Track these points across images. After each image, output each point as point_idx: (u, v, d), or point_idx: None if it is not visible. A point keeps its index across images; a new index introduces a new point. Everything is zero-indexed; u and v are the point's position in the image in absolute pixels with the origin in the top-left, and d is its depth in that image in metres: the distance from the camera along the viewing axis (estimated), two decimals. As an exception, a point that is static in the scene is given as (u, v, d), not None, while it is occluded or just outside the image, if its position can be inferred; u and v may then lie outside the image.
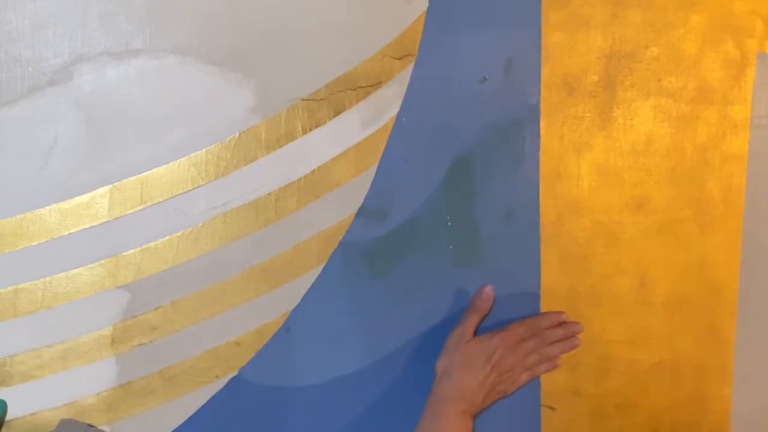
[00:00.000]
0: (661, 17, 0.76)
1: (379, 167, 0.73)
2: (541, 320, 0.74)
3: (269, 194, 0.71)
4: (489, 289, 0.74)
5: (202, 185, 0.70)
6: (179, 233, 0.70)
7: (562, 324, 0.74)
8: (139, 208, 0.69)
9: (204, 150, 0.70)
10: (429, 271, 0.75)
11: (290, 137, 0.71)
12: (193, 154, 0.70)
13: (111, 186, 0.68)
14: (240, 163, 0.70)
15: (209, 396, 0.71)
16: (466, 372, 0.70)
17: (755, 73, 0.78)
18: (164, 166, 0.69)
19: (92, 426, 0.67)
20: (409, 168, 0.74)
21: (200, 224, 0.70)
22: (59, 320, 0.68)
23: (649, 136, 0.77)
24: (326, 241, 0.72)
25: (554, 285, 0.76)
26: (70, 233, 0.68)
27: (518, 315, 0.76)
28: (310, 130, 0.72)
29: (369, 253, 0.73)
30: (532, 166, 0.76)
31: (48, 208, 0.67)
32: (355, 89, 0.72)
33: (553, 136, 0.76)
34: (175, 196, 0.70)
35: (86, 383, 0.69)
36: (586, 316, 0.77)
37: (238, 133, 0.70)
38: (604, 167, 0.77)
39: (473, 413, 0.70)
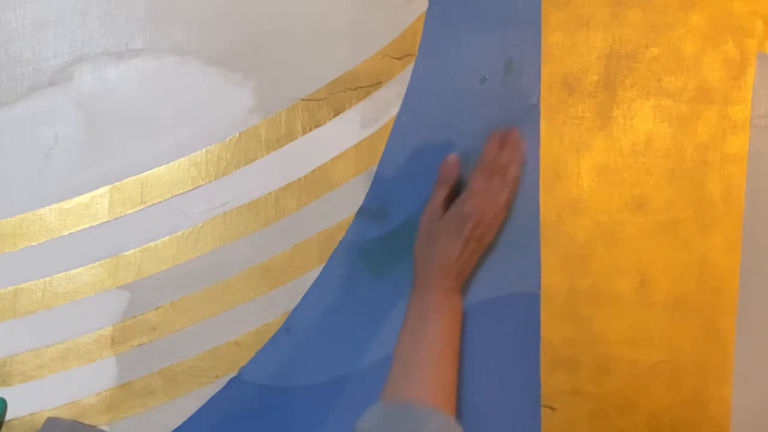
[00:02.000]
0: (661, 17, 0.76)
1: (379, 167, 0.73)
2: (488, 155, 0.71)
3: (269, 194, 0.71)
4: (452, 157, 0.71)
5: (202, 185, 0.70)
6: (179, 233, 0.70)
7: (504, 142, 0.72)
8: (139, 208, 0.69)
9: (204, 150, 0.70)
10: (429, 271, 0.75)
11: (290, 137, 0.71)
12: (193, 154, 0.70)
13: (111, 186, 0.68)
14: (240, 163, 0.70)
15: (209, 396, 0.71)
16: (443, 251, 0.68)
17: (755, 73, 0.77)
18: (164, 166, 0.69)
19: (78, 422, 0.67)
20: (409, 168, 0.74)
21: (200, 224, 0.70)
22: (59, 320, 0.68)
23: (649, 136, 0.77)
24: (326, 241, 0.72)
25: (554, 285, 0.76)
26: (70, 233, 0.68)
27: (518, 315, 0.76)
28: (310, 130, 0.72)
29: (369, 253, 0.73)
30: (532, 166, 0.76)
31: (48, 208, 0.68)
32: (355, 89, 0.72)
33: (553, 136, 0.76)
34: (175, 196, 0.70)
35: (86, 383, 0.69)
36: (586, 316, 0.77)
37: (238, 133, 0.70)
38: (604, 167, 0.77)
39: (460, 286, 0.70)
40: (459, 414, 0.75)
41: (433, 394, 0.64)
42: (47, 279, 0.68)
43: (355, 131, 0.73)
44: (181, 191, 0.70)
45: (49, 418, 0.67)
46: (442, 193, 0.71)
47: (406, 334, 0.67)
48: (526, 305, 0.76)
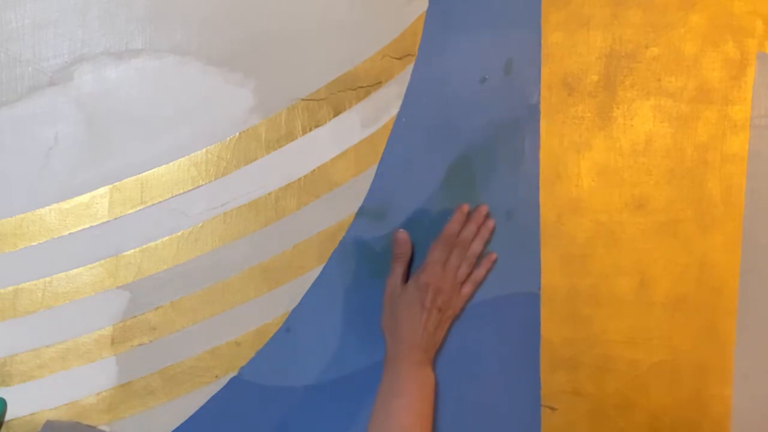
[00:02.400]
0: (661, 17, 0.76)
1: (379, 167, 0.73)
2: (450, 228, 0.72)
3: (269, 194, 0.71)
4: (401, 233, 0.72)
5: (202, 185, 0.70)
6: (179, 233, 0.70)
7: (469, 218, 0.73)
8: (139, 208, 0.69)
9: (204, 150, 0.70)
10: (429, 271, 0.74)
11: (290, 137, 0.71)
12: (193, 154, 0.70)
13: (111, 186, 0.68)
14: (240, 163, 0.70)
15: (209, 396, 0.71)
16: (407, 324, 0.70)
17: (755, 73, 0.77)
18: (164, 166, 0.69)
19: (78, 423, 0.67)
20: (409, 168, 0.74)
21: (200, 224, 0.70)
22: (59, 320, 0.68)
23: (649, 136, 0.77)
24: (326, 241, 0.72)
25: (554, 285, 0.76)
26: (70, 233, 0.68)
27: (518, 315, 0.76)
28: (310, 130, 0.72)
29: (369, 253, 0.73)
30: (532, 166, 0.76)
31: (48, 208, 0.68)
32: (355, 89, 0.72)
33: (553, 136, 0.76)
34: (175, 196, 0.70)
35: (86, 383, 0.69)
36: (586, 316, 0.77)
37: (238, 133, 0.70)
38: (604, 167, 0.77)
39: (430, 358, 0.71)
40: (458, 414, 0.76)
41: None
42: (47, 279, 0.68)
43: (355, 131, 0.73)
44: (181, 191, 0.70)
45: (49, 421, 0.67)
46: (399, 269, 0.72)
47: (377, 408, 0.68)
48: (526, 305, 0.76)
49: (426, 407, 0.68)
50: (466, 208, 0.73)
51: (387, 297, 0.72)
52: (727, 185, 0.77)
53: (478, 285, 0.74)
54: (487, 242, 0.74)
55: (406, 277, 0.72)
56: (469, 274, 0.73)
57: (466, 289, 0.73)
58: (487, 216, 0.74)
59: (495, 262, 0.74)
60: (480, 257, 0.74)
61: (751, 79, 0.77)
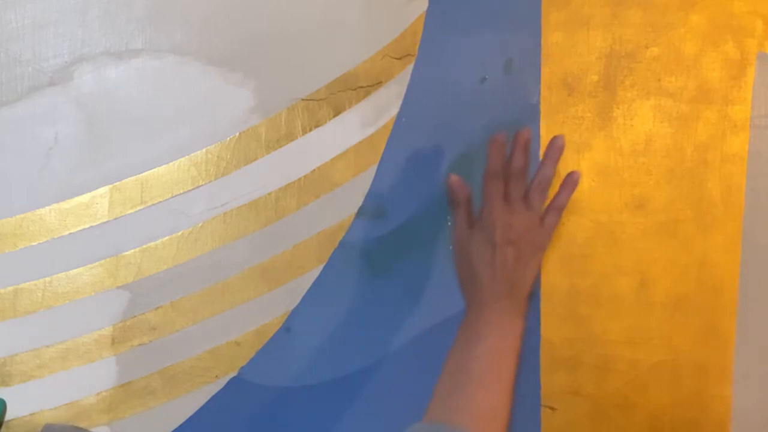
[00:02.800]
0: (661, 17, 0.76)
1: (379, 167, 0.73)
2: (492, 163, 0.67)
3: (269, 194, 0.71)
4: (454, 177, 0.68)
5: (202, 185, 0.70)
6: (179, 233, 0.70)
7: (514, 145, 0.68)
8: (139, 208, 0.69)
9: (204, 150, 0.70)
10: (429, 271, 0.75)
11: (290, 137, 0.71)
12: (193, 154, 0.70)
13: (111, 186, 0.68)
14: (240, 163, 0.70)
15: (209, 396, 0.71)
16: (480, 266, 0.65)
17: (755, 73, 0.77)
18: (164, 166, 0.69)
19: (79, 428, 0.67)
20: (409, 168, 0.74)
21: (200, 224, 0.70)
22: (59, 320, 0.68)
23: (649, 136, 0.77)
24: (326, 241, 0.72)
25: (554, 285, 0.76)
26: (70, 233, 0.68)
27: (518, 315, 0.76)
28: (310, 130, 0.72)
29: (369, 253, 0.73)
30: (532, 167, 0.76)
31: (48, 208, 0.67)
32: (355, 89, 0.72)
33: (553, 136, 0.76)
34: (175, 196, 0.70)
35: (86, 383, 0.69)
36: (586, 316, 0.77)
37: (238, 133, 0.70)
38: (604, 167, 0.77)
39: (518, 305, 0.65)
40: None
41: (474, 417, 0.59)
42: (47, 279, 0.68)
43: (355, 131, 0.73)
44: (181, 191, 0.70)
45: (48, 424, 0.67)
46: (461, 214, 0.69)
47: (449, 357, 0.63)
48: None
49: (506, 358, 0.61)
50: (500, 138, 0.67)
51: (456, 247, 0.68)
52: (727, 185, 0.77)
53: (562, 211, 0.68)
54: (556, 164, 0.68)
55: (471, 222, 0.68)
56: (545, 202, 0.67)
57: (549, 218, 0.67)
58: (524, 134, 0.67)
59: (577, 182, 0.67)
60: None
61: (751, 79, 0.77)
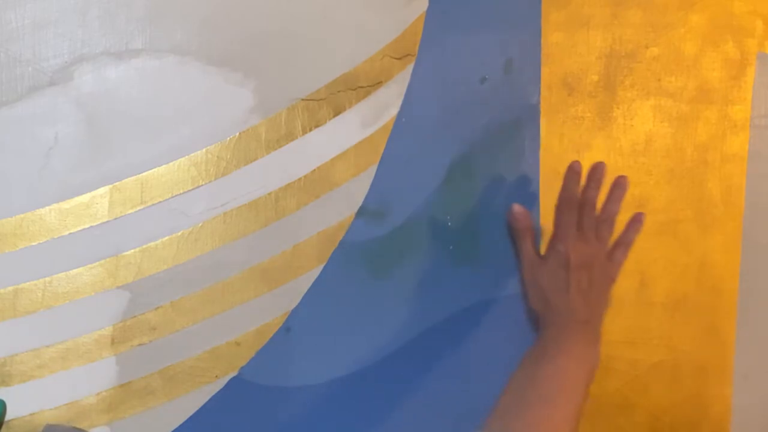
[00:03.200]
0: (661, 17, 0.76)
1: (379, 167, 0.73)
2: (567, 189, 0.69)
3: (269, 194, 0.71)
4: (517, 206, 0.69)
5: (202, 185, 0.70)
6: (179, 233, 0.70)
7: (589, 176, 0.69)
8: (139, 208, 0.69)
9: (204, 150, 0.70)
10: (429, 271, 0.75)
11: (290, 137, 0.71)
12: (193, 154, 0.70)
13: (111, 186, 0.68)
14: (240, 163, 0.70)
15: (209, 396, 0.71)
16: (555, 291, 0.65)
17: (755, 73, 0.78)
18: (164, 166, 0.69)
19: (79, 429, 0.67)
20: (409, 168, 0.74)
21: (200, 224, 0.70)
22: (59, 320, 0.68)
23: (649, 136, 0.77)
24: (326, 241, 0.72)
25: (554, 285, 0.76)
26: (70, 233, 0.68)
27: (518, 315, 0.76)
28: (310, 130, 0.72)
29: (369, 253, 0.73)
30: (532, 166, 0.76)
31: (48, 208, 0.67)
32: (355, 89, 0.72)
33: (553, 136, 0.76)
34: (175, 196, 0.70)
35: (86, 383, 0.69)
36: (586, 316, 0.77)
37: (238, 133, 0.70)
38: (604, 167, 0.77)
39: (593, 332, 0.65)
40: (458, 414, 0.76)
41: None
42: (47, 279, 0.68)
43: (355, 131, 0.73)
44: (181, 191, 0.70)
45: (48, 425, 0.67)
46: (528, 243, 0.70)
47: (521, 371, 0.63)
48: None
49: (576, 382, 0.60)
50: (578, 166, 0.69)
51: (527, 274, 0.68)
52: (727, 185, 0.77)
53: (629, 248, 0.69)
54: (621, 199, 0.69)
55: (536, 251, 0.69)
56: (612, 238, 0.68)
57: (618, 253, 0.68)
58: (602, 170, 0.68)
59: (641, 222, 0.69)
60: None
61: (751, 79, 0.77)
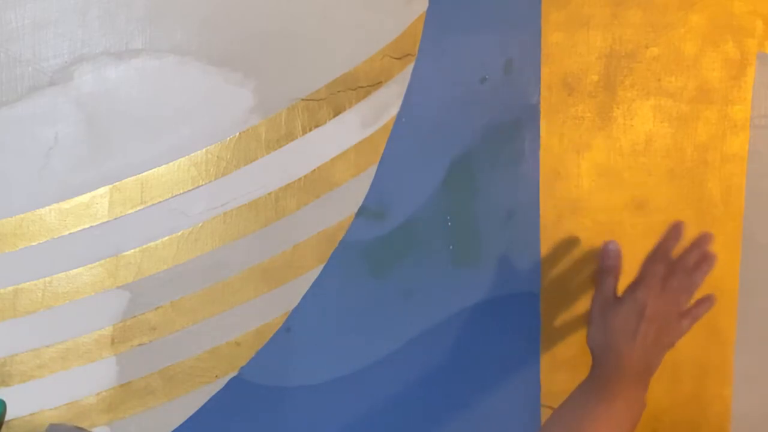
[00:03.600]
0: (661, 17, 0.76)
1: (379, 167, 0.73)
2: (665, 244, 0.69)
3: (269, 194, 0.71)
4: (613, 244, 0.70)
5: (202, 185, 0.70)
6: (179, 233, 0.70)
7: (695, 243, 0.70)
8: (139, 208, 0.69)
9: (204, 150, 0.70)
10: (429, 271, 0.75)
11: (290, 137, 0.71)
12: (193, 154, 0.70)
13: (111, 186, 0.68)
14: (240, 163, 0.70)
15: (209, 396, 0.71)
16: (621, 339, 0.66)
17: (755, 73, 0.77)
18: (164, 166, 0.69)
19: (82, 429, 0.67)
20: (409, 168, 0.74)
21: (200, 224, 0.70)
22: (59, 320, 0.68)
23: (649, 136, 0.77)
24: (326, 241, 0.72)
25: (554, 285, 0.76)
26: (70, 233, 0.68)
27: (518, 315, 0.76)
28: (310, 130, 0.72)
29: (369, 253, 0.73)
30: (532, 166, 0.76)
31: (48, 208, 0.67)
32: (355, 89, 0.72)
33: (553, 136, 0.76)
34: (175, 196, 0.70)
35: (86, 383, 0.69)
36: (586, 316, 0.77)
37: (238, 133, 0.70)
38: (604, 167, 0.77)
39: (644, 383, 0.66)
40: (458, 414, 0.76)
41: None
42: (47, 279, 0.68)
43: (355, 131, 0.73)
44: (181, 191, 0.70)
45: (51, 425, 0.67)
46: (611, 281, 0.70)
47: (568, 408, 0.65)
48: (526, 305, 0.76)
49: (623, 427, 0.63)
50: (682, 226, 0.70)
51: (597, 310, 0.69)
52: (727, 185, 0.77)
53: (696, 320, 0.70)
54: (706, 274, 0.71)
55: (615, 293, 0.70)
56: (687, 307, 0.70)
57: (686, 322, 0.69)
58: (710, 251, 0.70)
59: (713, 304, 0.71)
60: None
61: (751, 79, 0.77)
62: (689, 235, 0.77)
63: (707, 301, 0.71)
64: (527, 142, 0.76)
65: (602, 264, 0.71)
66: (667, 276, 0.69)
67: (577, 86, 0.76)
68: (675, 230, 0.71)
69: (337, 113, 0.72)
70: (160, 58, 0.68)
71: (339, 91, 0.72)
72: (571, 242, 0.77)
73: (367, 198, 0.73)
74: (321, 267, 0.72)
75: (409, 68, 0.73)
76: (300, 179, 0.72)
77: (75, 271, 0.68)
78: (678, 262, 0.70)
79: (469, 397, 0.75)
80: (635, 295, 0.68)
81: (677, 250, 0.71)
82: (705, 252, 0.70)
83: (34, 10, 0.66)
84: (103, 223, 0.68)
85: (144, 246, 0.69)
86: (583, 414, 0.63)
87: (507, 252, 0.76)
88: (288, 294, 0.72)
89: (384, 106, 0.73)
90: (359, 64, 0.72)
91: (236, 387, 0.71)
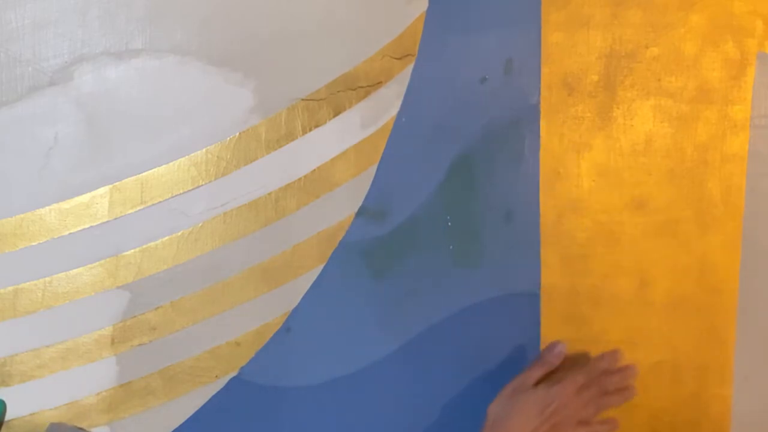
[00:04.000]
0: (661, 17, 0.76)
1: (379, 167, 0.73)
2: (599, 362, 0.73)
3: (269, 194, 0.71)
4: (561, 347, 0.73)
5: (202, 185, 0.70)
6: (179, 233, 0.70)
7: (619, 369, 0.73)
8: (139, 208, 0.69)
9: (204, 150, 0.70)
10: (429, 271, 0.75)
11: (290, 137, 0.71)
12: (193, 154, 0.70)
13: (111, 186, 0.68)
14: (240, 163, 0.70)
15: (209, 396, 0.71)
16: (516, 421, 0.69)
17: (755, 73, 0.77)
18: (164, 166, 0.69)
19: (82, 429, 0.67)
20: (409, 168, 0.74)
21: (200, 224, 0.70)
22: (59, 320, 0.68)
23: (649, 136, 0.77)
24: (326, 241, 0.72)
25: (554, 285, 0.76)
26: (70, 233, 0.68)
27: (518, 315, 0.76)
28: (310, 130, 0.72)
29: (369, 253, 0.73)
30: (532, 166, 0.76)
31: (48, 208, 0.68)
32: (355, 89, 0.72)
33: (553, 136, 0.76)
34: (175, 196, 0.70)
35: (86, 383, 0.69)
36: (586, 316, 0.77)
37: (238, 133, 0.70)
38: (604, 167, 0.77)
39: None
40: (458, 414, 0.76)
41: None
42: (47, 279, 0.68)
43: (355, 131, 0.73)
44: (181, 191, 0.70)
45: (52, 424, 0.67)
46: (538, 372, 0.72)
47: None
48: (526, 305, 0.76)
49: None
50: (618, 354, 0.73)
51: (510, 388, 0.71)
52: (727, 185, 0.77)
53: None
54: (620, 404, 0.73)
55: (536, 383, 0.72)
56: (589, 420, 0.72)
57: (581, 431, 0.71)
58: (632, 385, 0.73)
59: (616, 429, 0.73)
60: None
61: (751, 79, 0.77)
62: (689, 235, 0.77)
63: (611, 423, 0.73)
64: (527, 142, 0.76)
65: (542, 356, 0.73)
66: (586, 386, 0.71)
67: (577, 86, 0.76)
68: (612, 356, 0.73)
69: (337, 113, 0.72)
70: (160, 58, 0.68)
71: (339, 91, 0.72)
72: (571, 242, 0.77)
73: (367, 198, 0.73)
74: (321, 267, 0.72)
75: (409, 68, 0.73)
76: (300, 179, 0.72)
77: (75, 271, 0.68)
78: (600, 380, 0.72)
79: (469, 397, 0.75)
80: (549, 391, 0.70)
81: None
82: (628, 385, 0.73)
83: (34, 10, 0.66)
84: (103, 223, 0.68)
85: (144, 246, 0.69)
86: None
87: (507, 252, 0.76)
88: (288, 294, 0.72)
89: (384, 106, 0.73)
90: (359, 64, 0.72)
91: (236, 387, 0.71)
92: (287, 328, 0.72)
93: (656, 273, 0.77)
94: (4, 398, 0.67)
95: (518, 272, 0.76)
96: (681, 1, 0.76)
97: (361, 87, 0.72)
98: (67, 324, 0.68)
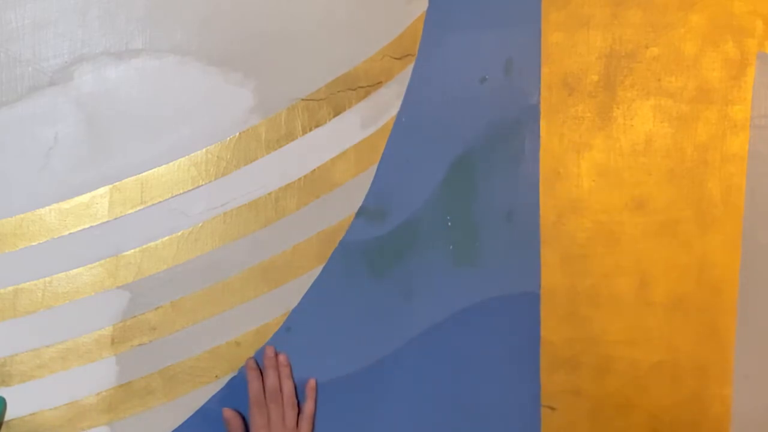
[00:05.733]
0: (661, 17, 0.76)
1: (379, 167, 0.73)
2: (252, 388, 0.71)
3: (269, 194, 0.71)
4: (227, 412, 0.70)
5: (202, 185, 0.70)
6: (179, 233, 0.70)
7: (265, 365, 0.71)
8: (139, 208, 0.69)
9: (204, 150, 0.70)
10: (429, 271, 0.75)
11: (290, 137, 0.71)
12: (193, 154, 0.70)
13: (111, 186, 0.68)
14: (240, 163, 0.70)
15: (209, 396, 0.71)
16: None
17: (755, 73, 0.77)
18: (164, 166, 0.69)
19: None
20: (409, 168, 0.74)
21: (200, 224, 0.70)
22: (59, 320, 0.68)
23: (649, 136, 0.77)
24: (326, 241, 0.72)
25: (554, 285, 0.76)
26: (70, 233, 0.68)
27: (518, 315, 0.76)
28: (310, 130, 0.72)
29: (369, 253, 0.73)
30: (532, 166, 0.76)
31: (48, 208, 0.68)
32: (355, 89, 0.72)
33: (553, 136, 0.76)
34: (175, 196, 0.70)
35: (86, 383, 0.69)
36: (586, 316, 0.77)
37: (238, 133, 0.70)
38: (604, 167, 0.77)
39: None
40: (458, 414, 0.76)
41: None
42: (47, 279, 0.68)
43: (355, 131, 0.73)
44: (181, 191, 0.70)
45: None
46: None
47: None
48: (526, 305, 0.76)
49: None
50: (252, 363, 0.71)
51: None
52: (727, 185, 0.77)
53: (313, 416, 0.72)
54: (291, 375, 0.72)
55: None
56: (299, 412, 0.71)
57: (303, 427, 0.71)
58: (276, 353, 0.71)
59: (315, 387, 0.72)
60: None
61: (751, 79, 0.77)
62: (689, 235, 0.77)
63: (309, 391, 0.72)
64: (527, 142, 0.76)
65: (227, 427, 0.71)
66: (269, 415, 0.70)
67: (577, 86, 0.76)
68: (252, 371, 0.71)
69: (337, 113, 0.72)
70: (160, 58, 0.68)
71: (339, 91, 0.72)
72: (571, 242, 0.77)
73: (367, 198, 0.73)
74: (321, 267, 0.72)
75: (409, 68, 0.73)
76: (300, 179, 0.72)
77: (75, 271, 0.68)
78: (269, 394, 0.70)
79: (469, 397, 0.75)
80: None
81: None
82: (270, 360, 0.71)
83: (34, 10, 0.66)
84: (103, 223, 0.68)
85: (144, 246, 0.69)
86: None
87: (507, 252, 0.76)
88: (288, 294, 0.72)
89: (384, 106, 0.73)
90: (359, 64, 0.72)
91: (236, 387, 0.71)
92: (287, 328, 0.72)
93: (656, 273, 0.77)
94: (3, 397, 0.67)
95: (518, 272, 0.76)
96: (681, 1, 0.76)
97: (361, 87, 0.72)
98: (67, 324, 0.68)
